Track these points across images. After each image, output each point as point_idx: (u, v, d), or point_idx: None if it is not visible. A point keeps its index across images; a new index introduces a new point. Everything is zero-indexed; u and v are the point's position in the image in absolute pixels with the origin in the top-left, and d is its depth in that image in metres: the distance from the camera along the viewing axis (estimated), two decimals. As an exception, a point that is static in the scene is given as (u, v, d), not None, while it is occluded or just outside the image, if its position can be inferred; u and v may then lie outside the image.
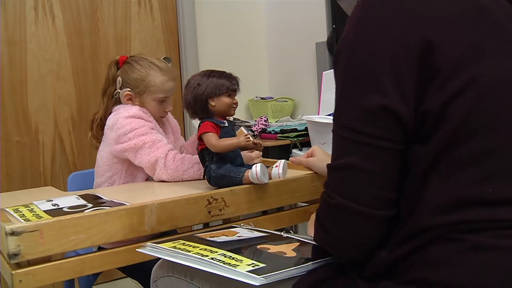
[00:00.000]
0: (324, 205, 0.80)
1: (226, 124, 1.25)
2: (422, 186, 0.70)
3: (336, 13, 2.36)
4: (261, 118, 2.46)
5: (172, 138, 1.61)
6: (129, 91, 1.48)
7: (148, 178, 1.48)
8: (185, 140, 1.72)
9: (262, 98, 2.74)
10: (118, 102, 1.51)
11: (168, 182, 1.40)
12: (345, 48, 0.76)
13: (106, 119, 1.48)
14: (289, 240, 0.99)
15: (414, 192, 0.71)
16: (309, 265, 0.86)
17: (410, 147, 0.72)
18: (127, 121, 1.40)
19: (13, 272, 0.94)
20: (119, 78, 1.50)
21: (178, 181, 1.39)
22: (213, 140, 1.20)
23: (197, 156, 1.34)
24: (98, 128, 1.52)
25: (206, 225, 1.36)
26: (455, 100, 0.68)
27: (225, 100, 1.25)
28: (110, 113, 1.49)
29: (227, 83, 1.25)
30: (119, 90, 1.49)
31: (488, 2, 0.73)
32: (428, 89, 0.69)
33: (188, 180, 1.39)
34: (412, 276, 0.69)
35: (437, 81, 0.69)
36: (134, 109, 1.44)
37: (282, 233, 1.03)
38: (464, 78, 0.68)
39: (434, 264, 0.68)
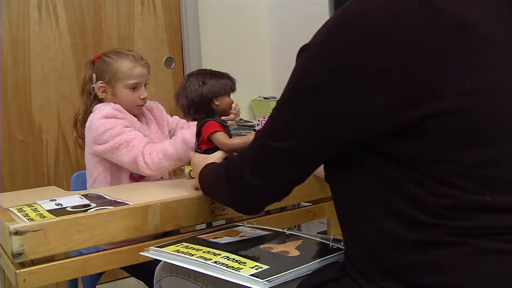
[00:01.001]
0: None
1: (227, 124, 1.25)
2: (419, 190, 0.69)
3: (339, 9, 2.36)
4: (264, 118, 2.45)
5: (155, 128, 1.62)
6: (101, 83, 1.51)
7: (133, 174, 1.49)
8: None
9: (265, 98, 2.74)
10: (96, 98, 1.55)
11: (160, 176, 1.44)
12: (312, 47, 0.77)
13: (87, 118, 1.50)
14: (292, 238, 0.99)
15: (410, 195, 0.71)
16: (313, 265, 0.86)
17: (399, 152, 0.71)
18: (100, 122, 1.43)
19: (17, 271, 0.94)
20: (93, 75, 1.54)
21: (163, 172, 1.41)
22: (224, 139, 1.19)
23: (171, 141, 1.37)
24: (82, 127, 1.55)
25: (209, 225, 1.36)
26: (453, 110, 0.67)
27: (228, 100, 1.25)
28: (91, 112, 1.52)
29: (230, 83, 1.26)
30: (94, 85, 1.53)
31: (470, 16, 0.71)
32: (416, 99, 0.68)
33: (174, 168, 1.41)
34: (415, 280, 0.69)
35: (428, 93, 0.68)
36: (107, 109, 1.46)
37: (284, 230, 1.03)
38: (461, 90, 0.67)
39: (438, 268, 0.67)
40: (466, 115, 0.68)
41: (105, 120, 1.43)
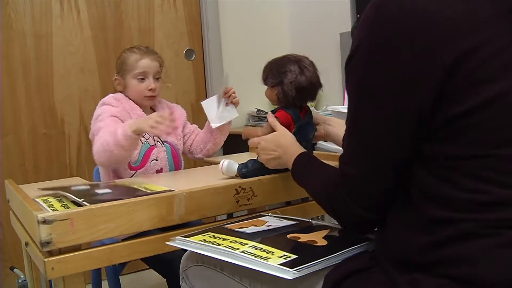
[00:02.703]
0: None
1: None
2: (451, 190, 0.70)
3: (360, 2, 2.32)
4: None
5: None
6: (116, 76, 1.61)
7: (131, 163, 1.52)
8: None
9: (285, 90, 2.71)
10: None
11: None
12: (361, 57, 0.75)
13: None
14: (318, 227, 0.97)
15: (440, 195, 0.71)
16: (341, 254, 0.85)
17: (429, 147, 0.72)
18: (97, 110, 1.52)
19: (46, 260, 0.95)
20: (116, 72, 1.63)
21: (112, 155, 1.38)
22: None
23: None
24: None
25: (229, 216, 1.35)
26: (481, 110, 0.67)
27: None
28: None
29: None
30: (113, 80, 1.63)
31: None
32: (454, 95, 0.68)
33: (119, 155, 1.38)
34: (445, 271, 0.68)
35: (465, 89, 0.68)
36: (109, 96, 1.56)
37: (310, 220, 1.02)
38: (494, 89, 0.67)
39: (468, 258, 0.66)
40: (502, 109, 0.67)
41: (100, 107, 1.52)
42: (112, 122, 1.45)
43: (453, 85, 0.68)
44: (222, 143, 1.70)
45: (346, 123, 0.82)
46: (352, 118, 0.80)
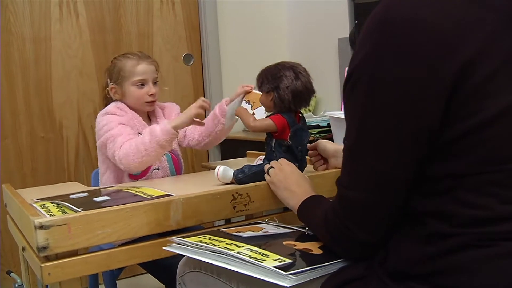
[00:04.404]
0: None
1: None
2: (448, 199, 0.69)
3: (358, 8, 2.33)
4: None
5: None
6: (112, 84, 1.58)
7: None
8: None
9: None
10: (112, 101, 1.61)
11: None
12: (366, 72, 0.71)
13: None
14: (315, 237, 0.97)
15: (438, 204, 0.70)
16: (338, 263, 0.85)
17: (434, 165, 0.71)
18: (100, 119, 1.51)
19: (42, 265, 0.95)
20: (107, 79, 1.61)
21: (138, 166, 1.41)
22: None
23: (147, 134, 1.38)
24: None
25: (227, 222, 1.36)
26: (489, 125, 0.66)
27: None
28: None
29: None
30: (108, 88, 1.60)
31: None
32: (460, 111, 0.67)
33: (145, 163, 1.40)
34: (443, 281, 0.68)
35: (471, 104, 0.66)
36: (110, 106, 1.54)
37: (306, 231, 1.02)
38: (500, 104, 0.66)
39: (466, 269, 0.66)
40: (508, 124, 0.67)
41: (104, 117, 1.50)
42: (125, 129, 1.47)
43: (459, 99, 0.66)
44: (223, 138, 1.65)
45: (344, 144, 0.78)
46: (354, 139, 0.76)
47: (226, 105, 1.52)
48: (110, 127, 1.47)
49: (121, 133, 1.44)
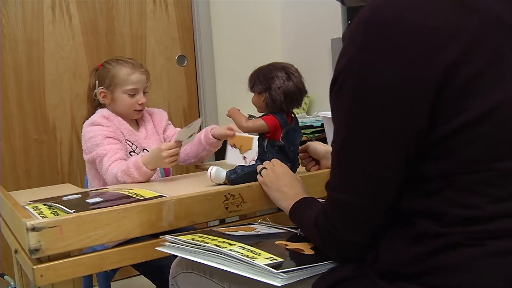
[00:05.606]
0: None
1: None
2: (438, 199, 0.70)
3: (351, 9, 2.34)
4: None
5: (152, 131, 1.66)
6: (102, 88, 1.58)
7: None
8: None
9: (277, 95, 2.72)
10: (100, 104, 1.62)
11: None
12: (352, 75, 0.71)
13: None
14: (307, 238, 0.98)
15: (428, 203, 0.71)
16: (329, 263, 0.86)
17: (424, 165, 0.71)
18: (87, 130, 1.52)
19: (35, 267, 0.95)
20: (96, 81, 1.60)
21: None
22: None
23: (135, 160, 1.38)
24: None
25: (222, 222, 1.36)
26: (476, 124, 0.67)
27: None
28: None
29: None
30: (96, 91, 1.60)
31: (503, 9, 0.70)
32: (447, 111, 0.68)
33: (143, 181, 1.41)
34: (433, 280, 0.68)
35: (457, 104, 0.67)
36: (96, 116, 1.54)
37: (298, 232, 1.02)
38: (488, 102, 0.67)
39: (454, 268, 0.67)
40: (496, 123, 0.67)
41: (91, 128, 1.51)
42: (111, 146, 1.47)
43: (445, 99, 0.67)
44: (211, 154, 1.69)
45: (333, 147, 0.78)
46: (341, 141, 0.75)
47: (211, 133, 1.57)
48: (96, 142, 1.48)
49: (106, 152, 1.46)
